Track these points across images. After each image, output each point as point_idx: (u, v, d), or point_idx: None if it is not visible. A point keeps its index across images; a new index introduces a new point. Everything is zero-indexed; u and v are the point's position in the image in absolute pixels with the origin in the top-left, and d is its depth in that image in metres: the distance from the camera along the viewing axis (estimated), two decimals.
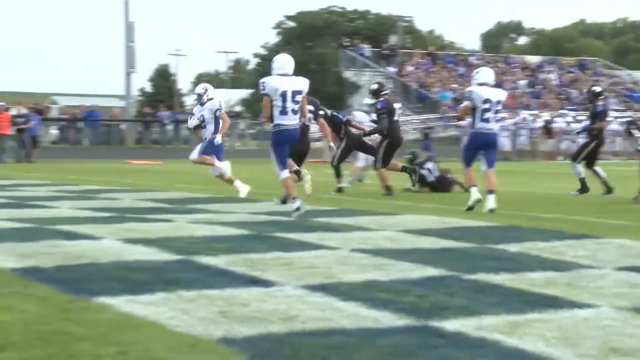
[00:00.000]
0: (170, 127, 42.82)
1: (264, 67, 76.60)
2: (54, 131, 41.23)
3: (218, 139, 13.90)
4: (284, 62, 11.00)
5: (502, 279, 6.40)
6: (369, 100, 19.52)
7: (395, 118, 15.14)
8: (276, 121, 10.82)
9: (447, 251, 7.84)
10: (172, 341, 4.50)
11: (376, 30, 70.95)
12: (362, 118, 18.50)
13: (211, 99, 14.09)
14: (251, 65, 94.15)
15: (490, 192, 11.86)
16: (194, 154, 14.07)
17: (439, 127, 45.11)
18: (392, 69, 51.36)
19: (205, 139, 13.98)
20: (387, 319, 5.07)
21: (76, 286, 5.86)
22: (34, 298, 5.49)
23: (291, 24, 77.75)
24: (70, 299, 5.48)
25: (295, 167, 12.46)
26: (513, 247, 8.07)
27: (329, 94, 69.80)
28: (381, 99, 15.15)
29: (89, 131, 40.89)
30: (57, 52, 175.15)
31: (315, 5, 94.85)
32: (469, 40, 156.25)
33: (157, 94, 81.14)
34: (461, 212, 11.64)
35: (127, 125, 42.65)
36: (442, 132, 43.77)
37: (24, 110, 32.59)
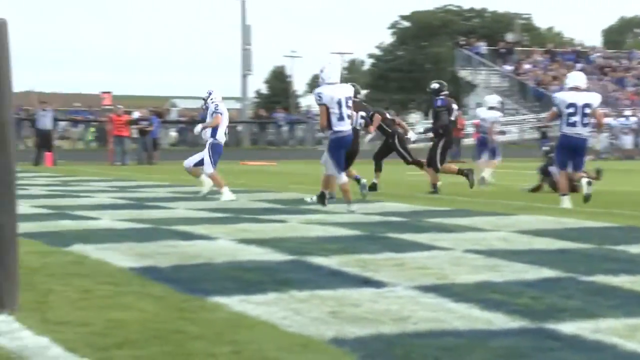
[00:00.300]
0: (285, 128, 43.26)
1: (379, 67, 76.63)
2: (173, 133, 42.17)
3: (197, 128, 14.42)
4: (333, 71, 11.75)
5: (621, 281, 6.24)
6: (493, 99, 19.59)
7: (452, 118, 15.38)
8: (335, 128, 11.58)
9: (563, 252, 7.69)
10: (284, 341, 4.55)
11: (493, 29, 70.02)
12: (493, 116, 18.68)
13: (215, 102, 14.30)
14: (366, 66, 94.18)
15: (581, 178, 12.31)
16: (208, 168, 14.15)
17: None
18: (508, 68, 50.62)
19: (206, 141, 14.20)
20: (500, 320, 5.01)
21: (191, 286, 5.98)
22: (151, 297, 5.62)
23: (406, 23, 77.43)
24: (185, 298, 5.60)
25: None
26: (633, 249, 7.87)
27: None
28: (441, 96, 15.28)
29: None
30: (177, 56, 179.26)
31: (431, 5, 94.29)
32: (590, 36, 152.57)
33: (272, 95, 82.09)
34: (579, 212, 11.41)
35: (243, 127, 43.26)
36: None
37: (146, 114, 33.44)
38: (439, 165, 15.25)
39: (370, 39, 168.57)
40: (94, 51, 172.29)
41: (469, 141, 36.38)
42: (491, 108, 18.92)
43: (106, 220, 10.05)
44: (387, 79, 73.91)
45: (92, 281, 6.13)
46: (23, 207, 11.45)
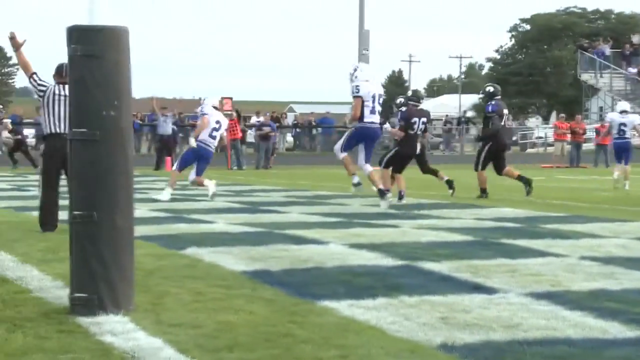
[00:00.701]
0: None
1: (498, 71, 75.62)
2: (289, 138, 42.66)
3: (192, 141, 14.60)
4: (369, 70, 12.95)
5: None
6: (625, 104, 19.42)
7: (503, 123, 15.05)
8: (366, 119, 12.59)
9: None
10: (392, 346, 4.55)
11: (617, 31, 68.23)
12: (634, 119, 18.67)
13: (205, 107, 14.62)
14: (485, 70, 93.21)
15: None
16: (174, 165, 14.84)
17: None
18: (632, 70, 49.28)
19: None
20: (616, 329, 4.91)
21: (301, 290, 6.04)
22: (261, 300, 5.70)
23: (526, 26, 76.23)
24: (295, 302, 5.66)
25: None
26: None
27: (566, 97, 68.03)
28: (493, 102, 14.99)
29: (322, 138, 41.94)
30: (296, 62, 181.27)
31: (552, 7, 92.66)
32: None
33: (389, 100, 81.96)
34: None
35: None
36: None
37: (267, 119, 33.93)
38: (479, 167, 14.94)
39: (489, 42, 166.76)
40: (217, 57, 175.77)
41: (588, 146, 35.61)
42: (623, 112, 18.83)
43: (221, 224, 10.22)
44: (506, 83, 72.73)
45: (205, 284, 6.25)
46: (141, 210, 11.77)
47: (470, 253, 7.75)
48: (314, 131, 42.56)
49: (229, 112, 33.43)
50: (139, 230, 9.06)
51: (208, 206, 12.97)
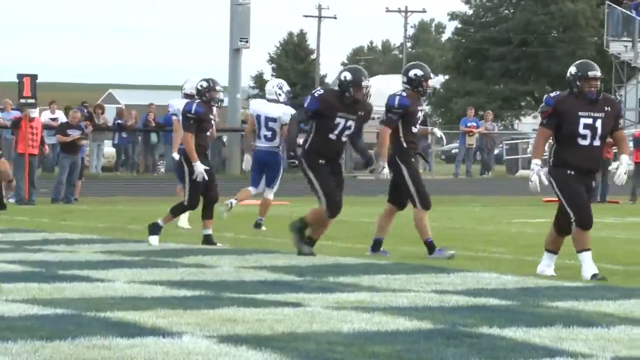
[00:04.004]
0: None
1: (468, 37, 76.85)
2: (108, 149, 42.63)
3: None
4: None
5: None
6: None
7: None
8: None
9: None
10: None
11: None
12: None
13: None
14: (446, 34, 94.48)
15: None
16: None
17: None
18: None
19: None
20: None
21: None
22: None
23: None
24: None
25: None
26: None
27: None
28: None
29: (166, 148, 42.07)
30: (126, 19, 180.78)
31: None
32: None
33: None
34: None
35: (231, 138, 43.27)
36: None
37: (77, 117, 33.98)
38: None
39: None
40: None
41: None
42: None
43: None
44: (483, 57, 74.12)
45: None
46: None
47: (428, 352, 7.86)
48: (153, 137, 42.38)
49: (31, 101, 32.90)
50: None
51: None
